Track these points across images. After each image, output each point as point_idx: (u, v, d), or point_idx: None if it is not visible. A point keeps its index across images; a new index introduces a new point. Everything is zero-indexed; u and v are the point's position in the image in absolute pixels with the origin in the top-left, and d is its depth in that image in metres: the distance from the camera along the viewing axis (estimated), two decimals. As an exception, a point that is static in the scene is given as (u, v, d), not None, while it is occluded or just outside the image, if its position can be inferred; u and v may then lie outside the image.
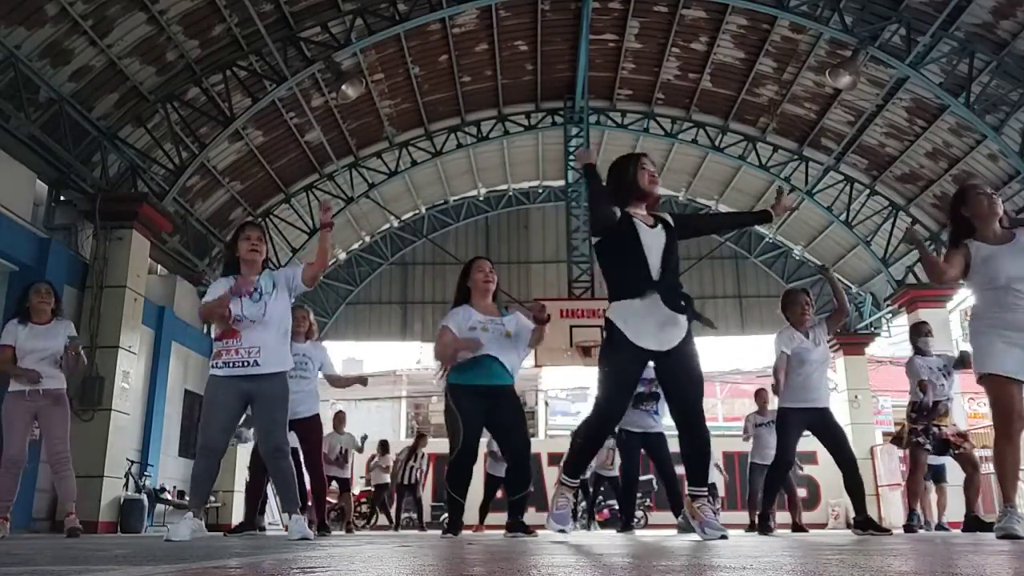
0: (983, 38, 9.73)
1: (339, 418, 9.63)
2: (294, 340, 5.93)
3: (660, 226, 3.60)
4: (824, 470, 13.80)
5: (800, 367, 5.39)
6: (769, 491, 5.79)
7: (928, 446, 6.11)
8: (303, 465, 6.05)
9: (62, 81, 8.78)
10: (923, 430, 6.10)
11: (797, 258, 16.02)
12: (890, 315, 14.58)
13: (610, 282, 3.65)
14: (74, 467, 5.62)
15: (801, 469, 9.70)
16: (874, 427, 14.48)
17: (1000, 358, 3.55)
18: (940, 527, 7.55)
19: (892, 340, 16.45)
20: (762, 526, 5.83)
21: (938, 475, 7.54)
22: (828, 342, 5.87)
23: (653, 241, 3.53)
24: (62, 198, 9.49)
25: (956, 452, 6.17)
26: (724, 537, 3.47)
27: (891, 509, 13.33)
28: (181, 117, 10.20)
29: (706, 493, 3.60)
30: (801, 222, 15.15)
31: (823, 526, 13.27)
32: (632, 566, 1.80)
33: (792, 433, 5.43)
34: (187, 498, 10.65)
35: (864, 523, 5.19)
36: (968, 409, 14.30)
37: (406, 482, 11.51)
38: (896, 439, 6.60)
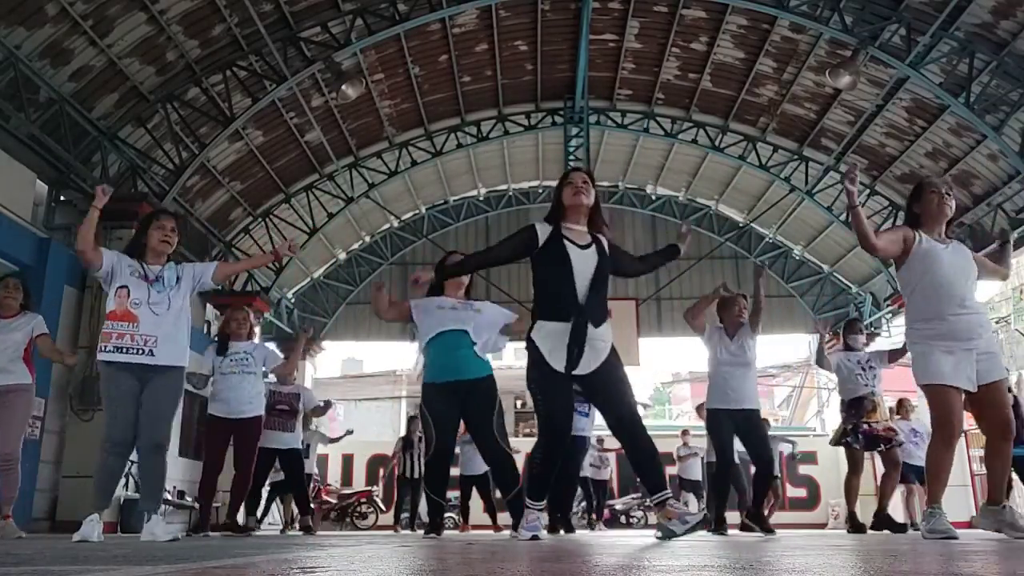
0: (983, 38, 9.73)
1: (308, 418, 9.66)
2: (236, 340, 5.89)
3: (594, 247, 3.63)
4: (824, 470, 13.84)
5: (716, 365, 5.57)
6: (718, 492, 5.85)
7: (856, 444, 6.11)
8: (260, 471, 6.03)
9: (62, 81, 8.78)
10: (852, 428, 6.10)
11: (797, 258, 16.02)
12: (890, 315, 14.60)
13: (537, 299, 3.67)
14: (73, 467, 5.47)
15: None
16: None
17: (936, 368, 3.55)
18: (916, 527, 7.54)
19: (892, 340, 16.42)
20: (717, 528, 5.82)
21: (920, 475, 7.52)
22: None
23: (582, 263, 3.57)
24: (62, 198, 9.49)
25: (886, 448, 6.16)
26: (706, 518, 3.51)
27: (890, 509, 13.32)
28: (181, 117, 10.20)
29: (669, 495, 3.57)
30: (801, 222, 15.15)
31: (823, 526, 13.27)
32: (632, 566, 1.80)
33: (723, 433, 5.55)
34: (186, 498, 10.69)
35: (753, 517, 5.57)
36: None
37: (408, 476, 10.16)
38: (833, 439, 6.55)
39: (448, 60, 12.04)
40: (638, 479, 7.49)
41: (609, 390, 3.57)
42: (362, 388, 22.53)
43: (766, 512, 8.86)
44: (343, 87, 10.56)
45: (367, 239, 16.09)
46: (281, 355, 6.53)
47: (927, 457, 3.68)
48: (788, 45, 11.37)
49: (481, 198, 16.41)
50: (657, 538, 3.61)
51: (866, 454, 6.55)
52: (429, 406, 4.52)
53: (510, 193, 16.42)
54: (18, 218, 8.42)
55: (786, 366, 20.75)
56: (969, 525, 11.28)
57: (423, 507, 10.30)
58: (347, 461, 14.78)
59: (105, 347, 3.91)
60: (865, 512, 6.74)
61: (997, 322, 19.79)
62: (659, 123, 13.80)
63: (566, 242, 3.60)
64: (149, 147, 10.34)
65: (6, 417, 5.08)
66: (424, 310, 4.60)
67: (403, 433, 10.46)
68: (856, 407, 6.11)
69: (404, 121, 13.36)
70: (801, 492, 14.24)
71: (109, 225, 9.39)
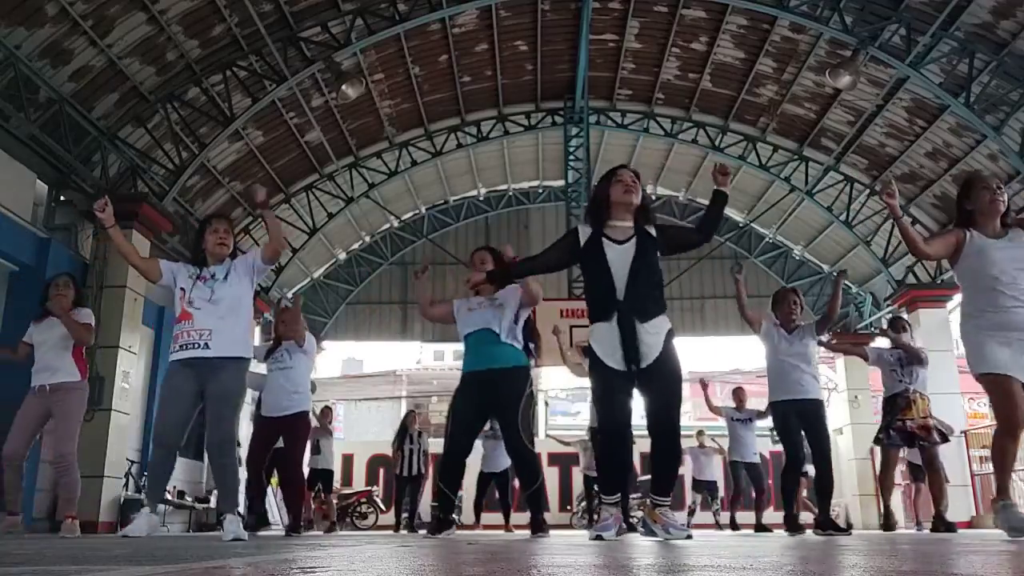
0: (983, 38, 9.73)
1: (324, 414, 9.64)
2: (286, 342, 5.89)
3: (634, 239, 3.63)
4: (824, 470, 13.83)
5: (773, 358, 5.53)
6: (786, 491, 5.76)
7: (887, 441, 6.14)
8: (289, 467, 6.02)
9: (62, 81, 8.78)
10: (886, 425, 6.13)
11: (797, 258, 16.02)
12: (890, 315, 14.59)
13: (586, 302, 3.80)
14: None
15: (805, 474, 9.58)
16: (874, 427, 14.45)
17: (992, 357, 3.54)
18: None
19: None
20: (792, 526, 5.78)
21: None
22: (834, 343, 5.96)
23: (619, 257, 3.59)
24: (62, 198, 9.49)
25: (920, 444, 6.17)
26: (689, 537, 3.53)
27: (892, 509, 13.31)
28: (181, 117, 10.20)
29: (668, 503, 3.65)
30: (801, 222, 15.16)
31: (823, 526, 13.27)
32: (632, 565, 1.80)
33: (791, 426, 5.42)
34: (186, 498, 10.70)
35: (824, 523, 5.26)
36: (968, 409, 14.30)
37: (406, 473, 9.67)
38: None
39: (448, 60, 12.04)
40: (645, 476, 7.50)
41: (658, 384, 3.59)
42: (362, 388, 22.58)
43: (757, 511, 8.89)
44: (343, 87, 10.56)
45: (367, 239, 16.10)
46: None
47: (992, 447, 3.66)
48: (788, 45, 11.37)
49: (481, 198, 16.42)
50: (639, 531, 3.74)
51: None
52: (456, 398, 4.63)
53: (510, 193, 16.42)
54: (18, 218, 8.42)
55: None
56: (969, 525, 11.28)
57: (420, 507, 10.21)
58: (347, 461, 14.77)
59: (172, 349, 4.04)
60: (866, 513, 6.75)
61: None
62: (659, 123, 13.80)
63: (604, 240, 3.64)
64: (149, 147, 10.34)
65: (57, 415, 5.10)
66: (459, 310, 4.70)
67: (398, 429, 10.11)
68: (891, 404, 6.18)
69: (404, 121, 13.37)
70: (801, 492, 14.22)
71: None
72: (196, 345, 3.96)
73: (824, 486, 5.36)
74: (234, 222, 12.93)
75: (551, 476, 13.57)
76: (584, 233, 3.75)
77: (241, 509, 5.16)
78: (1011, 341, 3.53)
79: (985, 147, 10.95)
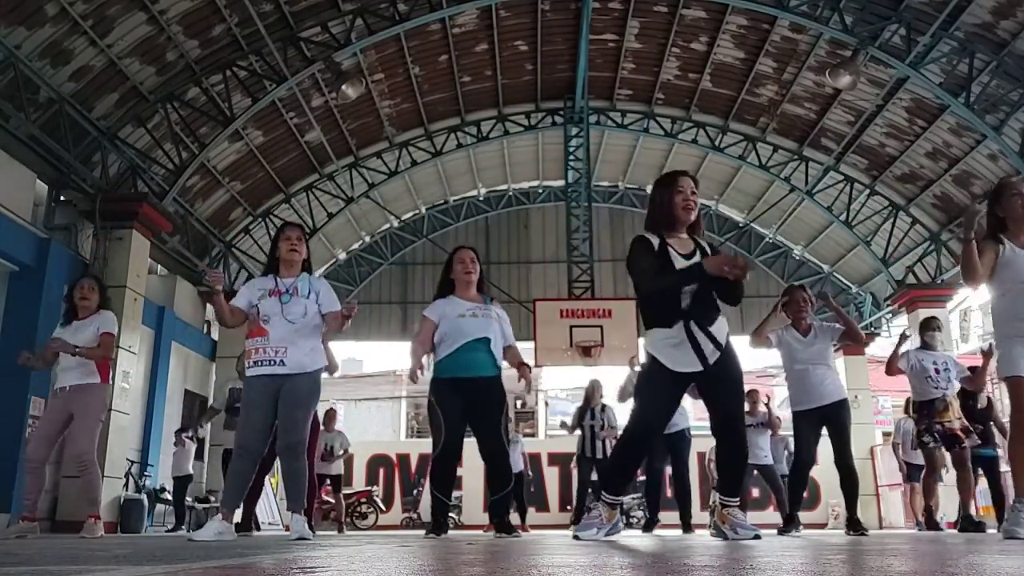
0: (983, 38, 9.73)
1: (330, 416, 9.60)
2: None
3: (697, 253, 3.55)
4: (824, 470, 13.81)
5: (791, 365, 5.41)
6: (792, 492, 5.74)
7: (932, 444, 6.13)
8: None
9: (62, 81, 8.78)
10: (926, 429, 6.11)
11: (797, 258, 16.02)
12: (890, 315, 14.58)
13: (645, 309, 3.63)
14: (73, 467, 5.34)
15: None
16: (874, 427, 14.47)
17: (1017, 360, 3.58)
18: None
19: (892, 340, 16.34)
20: (788, 526, 5.78)
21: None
22: (834, 347, 5.90)
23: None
24: (62, 198, 9.49)
25: (960, 448, 6.18)
26: (757, 537, 3.49)
27: (891, 509, 13.32)
28: (181, 117, 10.20)
29: (736, 503, 3.62)
30: (801, 222, 15.16)
31: (823, 526, 13.27)
32: (629, 565, 1.80)
33: (803, 434, 5.38)
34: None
35: (851, 524, 5.26)
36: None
37: (589, 454, 8.10)
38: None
39: (448, 60, 12.04)
40: (642, 476, 7.51)
41: (723, 384, 3.55)
42: (362, 388, 22.54)
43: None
44: (343, 87, 10.56)
45: (367, 239, 16.10)
46: None
47: (1010, 454, 3.69)
48: (788, 45, 11.37)
49: (481, 198, 16.42)
50: (711, 535, 3.70)
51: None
52: (441, 401, 4.50)
53: (510, 193, 16.42)
54: (18, 218, 8.42)
55: (786, 366, 20.76)
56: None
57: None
58: (347, 461, 14.75)
59: (248, 364, 4.17)
60: (866, 514, 6.74)
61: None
62: (659, 123, 13.80)
63: (671, 250, 3.52)
64: (149, 147, 10.34)
65: (76, 416, 5.04)
66: (446, 319, 4.59)
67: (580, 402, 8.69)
68: (927, 408, 6.12)
69: (404, 121, 13.37)
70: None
71: (109, 225, 9.40)
72: (272, 362, 4.09)
73: (847, 488, 5.34)
74: (233, 222, 13.00)
75: (551, 476, 13.58)
76: (654, 241, 3.58)
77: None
78: None
79: (985, 147, 10.95)
